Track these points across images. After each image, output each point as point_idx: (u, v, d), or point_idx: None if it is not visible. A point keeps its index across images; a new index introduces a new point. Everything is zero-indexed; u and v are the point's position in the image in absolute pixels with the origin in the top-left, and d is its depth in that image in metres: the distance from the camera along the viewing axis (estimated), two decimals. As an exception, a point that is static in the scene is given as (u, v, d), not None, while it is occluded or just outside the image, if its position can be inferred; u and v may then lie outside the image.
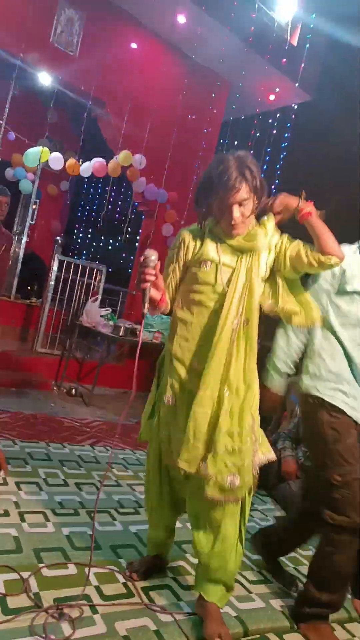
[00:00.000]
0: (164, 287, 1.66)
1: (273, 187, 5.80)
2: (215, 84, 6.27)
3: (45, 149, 5.53)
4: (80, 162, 5.67)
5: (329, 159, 6.10)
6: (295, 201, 1.66)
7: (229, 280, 1.63)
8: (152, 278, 1.56)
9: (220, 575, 1.65)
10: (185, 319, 1.68)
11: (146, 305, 1.58)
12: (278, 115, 6.52)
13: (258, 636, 1.72)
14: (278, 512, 2.91)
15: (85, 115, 5.50)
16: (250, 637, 1.70)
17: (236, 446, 1.57)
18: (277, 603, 1.92)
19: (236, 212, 1.57)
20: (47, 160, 5.50)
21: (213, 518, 1.62)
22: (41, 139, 6.28)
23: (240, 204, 1.57)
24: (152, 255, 1.55)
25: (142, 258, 1.56)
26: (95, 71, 5.35)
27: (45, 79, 5.44)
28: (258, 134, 6.31)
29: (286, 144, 6.10)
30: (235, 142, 6.55)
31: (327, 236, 1.64)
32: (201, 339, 1.65)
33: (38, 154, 5.45)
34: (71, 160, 5.67)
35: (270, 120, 6.41)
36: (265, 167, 6.20)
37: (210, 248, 1.66)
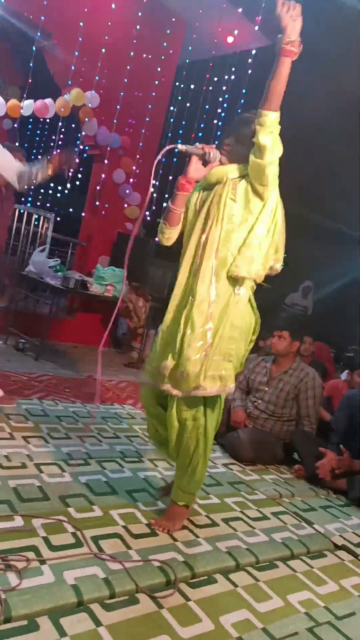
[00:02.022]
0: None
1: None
2: (171, 20, 5.89)
3: None
4: (24, 98, 5.24)
5: (288, 108, 5.97)
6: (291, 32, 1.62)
7: (203, 204, 1.86)
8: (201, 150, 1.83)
9: (180, 480, 2.00)
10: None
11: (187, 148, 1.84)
12: (236, 59, 6.24)
13: (205, 577, 1.78)
14: (226, 460, 3.00)
15: (31, 46, 5.04)
16: (198, 579, 1.76)
17: (186, 343, 1.78)
18: (222, 545, 1.99)
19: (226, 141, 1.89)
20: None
21: (175, 425, 1.89)
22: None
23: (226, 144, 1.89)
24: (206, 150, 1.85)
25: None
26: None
27: (-18, 1, 4.90)
28: (215, 79, 6.04)
29: (244, 90, 5.88)
30: (192, 86, 6.25)
31: (279, 90, 1.68)
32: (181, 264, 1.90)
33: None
34: (13, 102, 5.23)
35: (227, 65, 6.13)
36: (223, 114, 5.99)
37: (198, 185, 1.92)
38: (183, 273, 1.87)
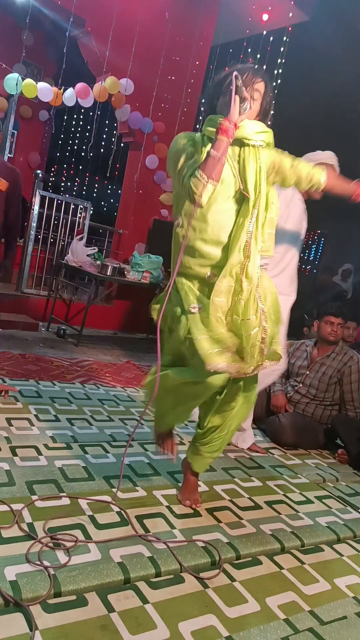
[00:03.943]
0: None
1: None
2: (204, 1, 5.78)
3: (32, 82, 5.11)
4: (62, 90, 5.28)
5: (325, 85, 5.76)
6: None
7: (242, 179, 1.65)
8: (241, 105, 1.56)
9: (213, 453, 1.92)
10: (196, 226, 1.66)
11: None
12: (271, 38, 6.07)
13: (250, 559, 1.77)
14: (267, 444, 2.97)
15: (65, 35, 5.05)
16: (242, 561, 1.75)
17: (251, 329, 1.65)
18: (267, 527, 1.97)
19: (247, 94, 1.57)
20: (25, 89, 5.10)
21: (230, 404, 1.81)
22: (17, 64, 5.82)
23: (252, 96, 1.62)
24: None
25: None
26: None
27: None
28: (250, 59, 5.90)
29: (280, 70, 5.72)
30: (226, 68, 6.13)
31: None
32: (215, 243, 1.66)
33: (16, 80, 5.04)
34: (54, 90, 5.28)
35: (262, 44, 5.97)
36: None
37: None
38: (235, 253, 1.64)
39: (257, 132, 1.66)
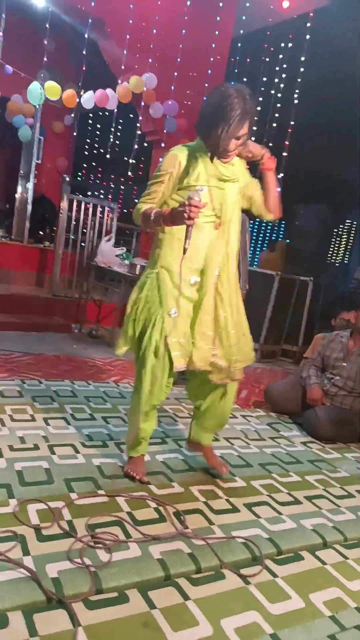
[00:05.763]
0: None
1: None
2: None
3: (54, 84, 5.16)
4: (82, 92, 5.32)
5: (350, 69, 5.60)
6: (261, 151, 1.92)
7: (221, 204, 1.84)
8: (198, 215, 1.66)
9: (216, 427, 2.18)
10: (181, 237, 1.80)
11: (188, 241, 1.69)
12: (293, 24, 5.94)
13: (292, 555, 1.73)
14: (304, 438, 2.91)
15: (84, 37, 5.09)
16: (284, 556, 1.72)
17: (239, 339, 1.94)
18: (307, 522, 1.93)
19: (232, 145, 1.77)
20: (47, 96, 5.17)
21: (219, 390, 2.03)
22: (40, 70, 5.89)
23: (238, 139, 1.76)
24: (196, 197, 1.64)
25: (187, 199, 1.65)
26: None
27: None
28: (272, 48, 5.79)
29: (304, 57, 5.58)
30: (248, 60, 6.04)
31: (274, 195, 1.98)
32: (196, 255, 1.84)
33: (38, 90, 5.11)
34: (68, 91, 5.32)
35: (285, 32, 5.84)
36: (282, 85, 5.73)
37: (203, 173, 1.82)
38: (212, 269, 1.87)
39: (234, 173, 1.87)
